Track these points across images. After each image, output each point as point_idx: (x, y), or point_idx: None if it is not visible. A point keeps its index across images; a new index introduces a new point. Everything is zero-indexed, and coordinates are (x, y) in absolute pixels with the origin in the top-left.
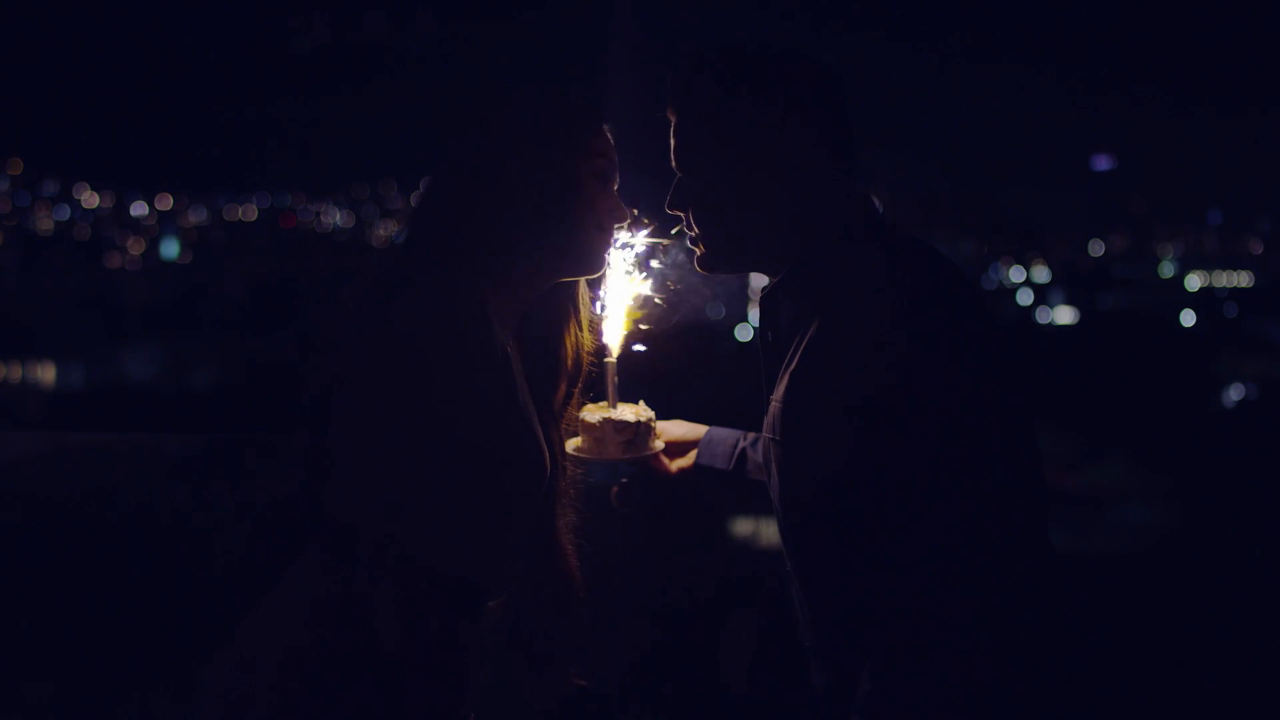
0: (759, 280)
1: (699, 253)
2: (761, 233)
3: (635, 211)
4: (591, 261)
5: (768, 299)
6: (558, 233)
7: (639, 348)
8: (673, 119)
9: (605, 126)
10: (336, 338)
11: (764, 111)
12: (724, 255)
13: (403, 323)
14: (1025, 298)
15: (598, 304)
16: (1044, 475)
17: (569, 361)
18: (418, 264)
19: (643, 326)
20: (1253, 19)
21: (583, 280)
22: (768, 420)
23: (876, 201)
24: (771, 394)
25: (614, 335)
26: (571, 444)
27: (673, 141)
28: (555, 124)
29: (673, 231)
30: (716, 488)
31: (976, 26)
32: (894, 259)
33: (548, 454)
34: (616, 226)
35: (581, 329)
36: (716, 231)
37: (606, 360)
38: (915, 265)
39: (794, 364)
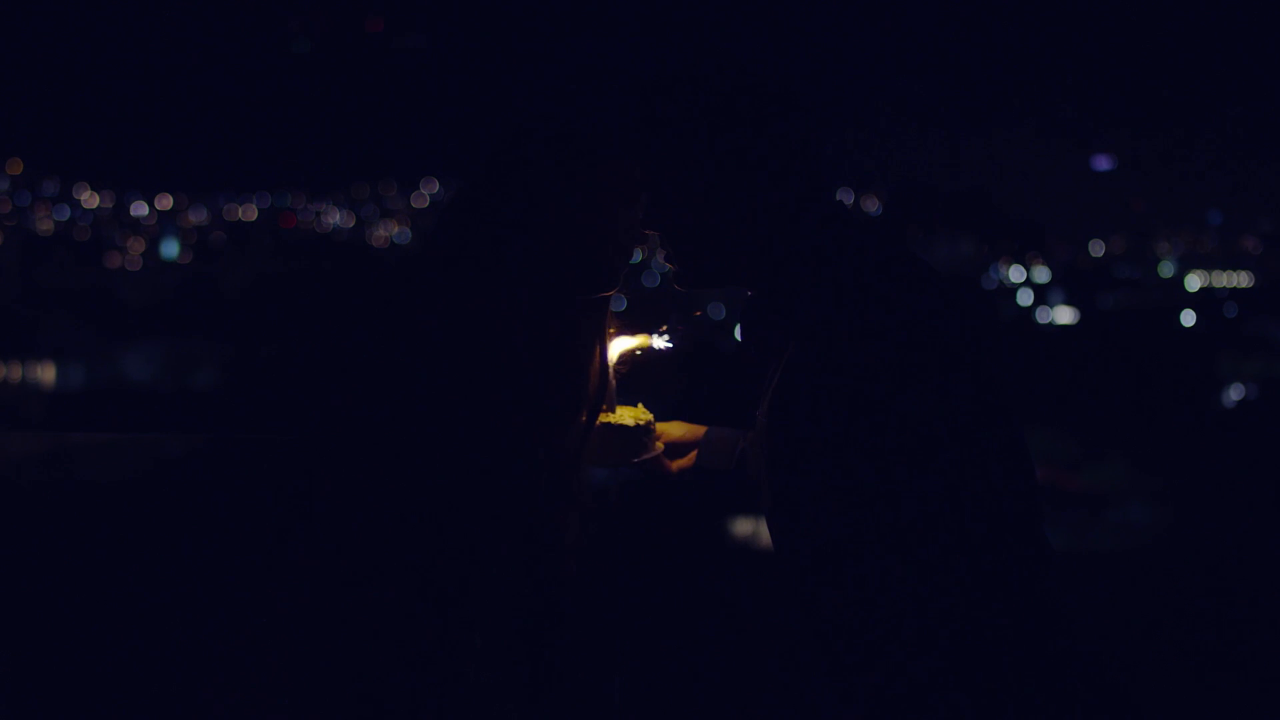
0: None
1: (674, 271)
2: (731, 250)
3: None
4: (608, 279)
5: (747, 314)
6: (575, 248)
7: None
8: (633, 141)
9: (633, 145)
10: (340, 337)
11: (722, 131)
12: (698, 273)
13: (402, 325)
14: (1025, 298)
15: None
16: (1036, 480)
17: (592, 386)
18: (429, 270)
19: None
20: (1253, 20)
21: (609, 307)
22: (755, 434)
23: (877, 201)
24: (758, 409)
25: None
26: None
27: (639, 163)
28: (579, 139)
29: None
30: (717, 488)
31: (978, 25)
32: (867, 269)
33: (545, 469)
34: (634, 246)
35: (606, 358)
36: (687, 250)
37: None
38: (888, 276)
39: (776, 380)
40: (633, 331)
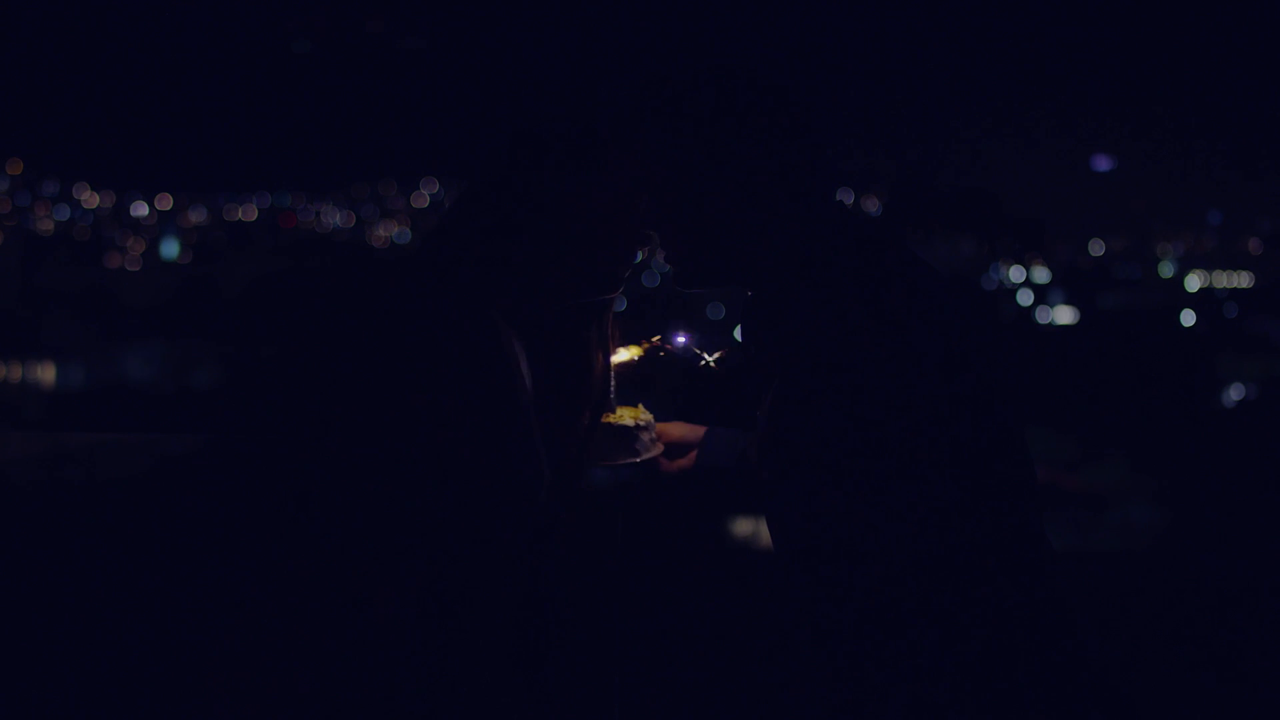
0: None
1: (674, 271)
2: (731, 250)
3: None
4: (610, 281)
5: (747, 314)
6: (577, 250)
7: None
8: (635, 142)
9: (636, 146)
10: (343, 337)
11: (723, 131)
12: (696, 273)
13: (406, 325)
14: (1025, 298)
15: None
16: (1036, 480)
17: (595, 387)
18: (432, 270)
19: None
20: (1254, 20)
21: (612, 308)
22: (755, 434)
23: (877, 201)
24: (758, 408)
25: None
26: None
27: (640, 164)
28: (580, 140)
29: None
30: (717, 488)
31: (978, 25)
32: (867, 270)
33: (547, 469)
34: (637, 247)
35: (609, 360)
36: (686, 250)
37: None
38: (888, 276)
39: (777, 381)
40: (633, 337)
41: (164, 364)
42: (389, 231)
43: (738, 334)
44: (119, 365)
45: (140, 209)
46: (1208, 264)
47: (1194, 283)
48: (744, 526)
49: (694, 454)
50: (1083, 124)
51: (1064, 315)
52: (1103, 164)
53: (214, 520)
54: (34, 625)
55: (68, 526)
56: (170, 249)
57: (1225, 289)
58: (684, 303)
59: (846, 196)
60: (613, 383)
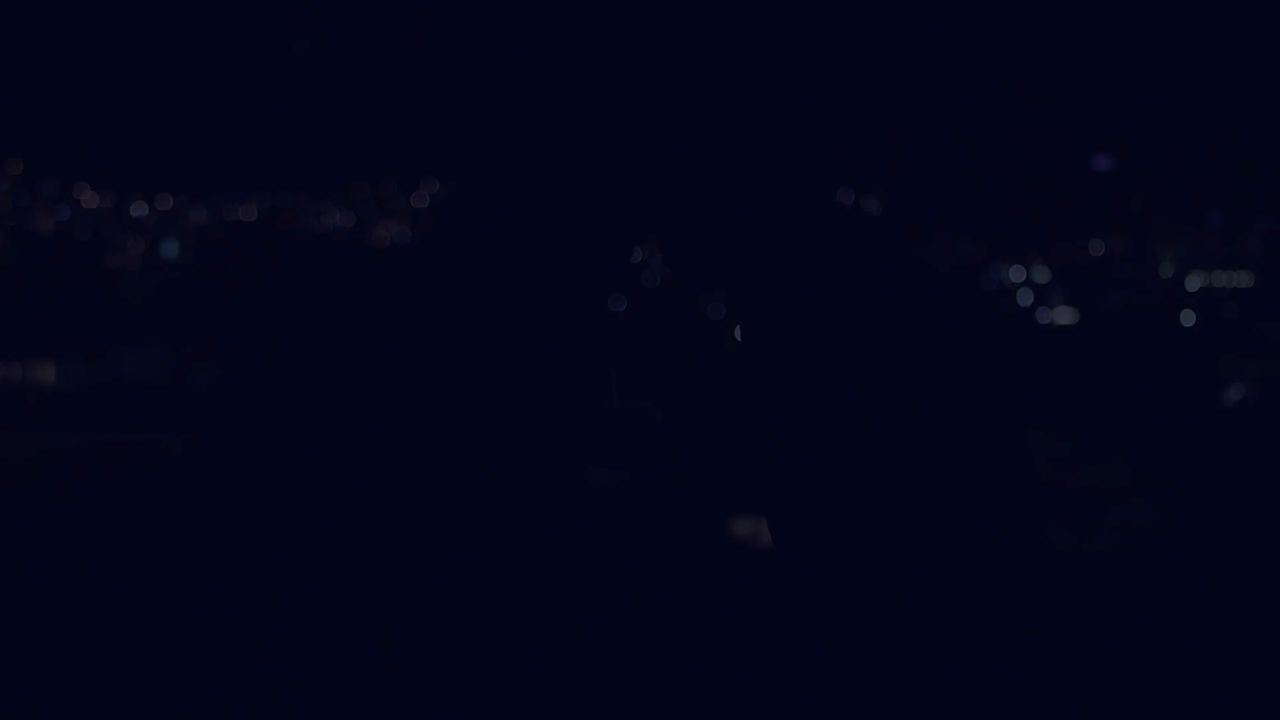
0: None
1: (674, 271)
2: (730, 250)
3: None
4: (609, 279)
5: (747, 314)
6: (575, 247)
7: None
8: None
9: (635, 145)
10: (342, 335)
11: (721, 129)
12: (697, 273)
13: (404, 321)
14: (1025, 298)
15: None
16: (1038, 480)
17: (594, 387)
18: (430, 267)
19: None
20: (1253, 18)
21: (610, 307)
22: (754, 433)
23: (877, 201)
24: (758, 409)
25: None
26: None
27: (638, 162)
28: (582, 139)
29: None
30: (717, 488)
31: (978, 24)
32: (867, 270)
33: (544, 470)
34: (635, 246)
35: (609, 359)
36: (687, 250)
37: None
38: (888, 276)
39: (777, 382)
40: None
41: (164, 364)
42: (389, 231)
43: (738, 334)
44: (119, 365)
45: (140, 209)
46: (1208, 264)
47: (1194, 283)
48: (744, 526)
49: (693, 453)
50: (1083, 124)
51: (1064, 315)
52: (1103, 164)
53: (214, 519)
54: (34, 626)
55: (67, 526)
56: (170, 249)
57: (1225, 289)
58: (684, 302)
59: (846, 196)
60: (613, 380)
